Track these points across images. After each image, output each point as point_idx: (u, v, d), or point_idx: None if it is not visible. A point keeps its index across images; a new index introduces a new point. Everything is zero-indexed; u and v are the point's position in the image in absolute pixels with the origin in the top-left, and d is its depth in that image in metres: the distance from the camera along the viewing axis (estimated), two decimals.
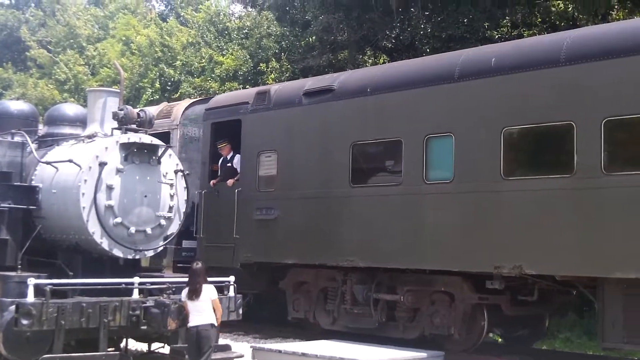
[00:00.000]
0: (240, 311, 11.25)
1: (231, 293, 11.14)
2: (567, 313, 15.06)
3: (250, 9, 31.06)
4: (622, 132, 10.08)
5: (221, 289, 10.94)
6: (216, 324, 9.72)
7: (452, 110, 11.62)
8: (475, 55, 11.93)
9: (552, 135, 10.67)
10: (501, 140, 10.94)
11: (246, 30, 29.45)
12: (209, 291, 9.71)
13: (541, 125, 10.71)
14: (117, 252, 10.91)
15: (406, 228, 11.92)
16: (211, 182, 15.22)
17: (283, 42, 26.94)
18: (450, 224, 11.38)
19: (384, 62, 24.21)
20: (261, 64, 26.64)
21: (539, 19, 22.47)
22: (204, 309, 9.58)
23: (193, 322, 9.56)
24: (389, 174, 12.65)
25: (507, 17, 22.54)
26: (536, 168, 10.89)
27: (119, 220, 10.83)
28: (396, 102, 12.29)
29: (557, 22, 22.15)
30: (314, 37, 25.21)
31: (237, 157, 14.96)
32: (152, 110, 14.06)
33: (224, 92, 23.45)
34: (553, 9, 22.43)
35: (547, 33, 20.47)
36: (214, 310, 9.69)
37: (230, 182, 14.82)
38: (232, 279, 11.24)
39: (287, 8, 25.81)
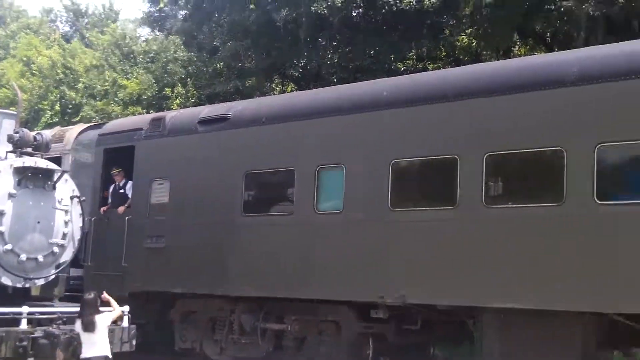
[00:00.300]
0: (134, 342, 11.35)
1: (125, 323, 11.24)
2: (462, 342, 15.77)
3: (157, 33, 31.50)
4: (502, 167, 10.91)
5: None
6: (110, 356, 9.97)
7: (344, 142, 12.25)
8: (368, 89, 12.67)
9: (438, 168, 11.42)
10: (389, 172, 11.63)
11: (152, 54, 29.87)
12: (103, 321, 9.97)
13: (428, 158, 11.47)
14: (6, 281, 10.94)
15: (295, 257, 12.46)
16: (101, 209, 15.40)
17: (190, 67, 27.46)
18: (339, 254, 11.96)
19: (291, 91, 24.94)
20: (166, 89, 27.07)
21: (444, 53, 23.66)
22: (98, 341, 9.79)
23: (86, 353, 9.75)
24: (281, 203, 13.23)
25: (413, 50, 23.61)
26: (422, 200, 11.67)
27: (9, 247, 10.89)
28: (290, 132, 12.89)
29: (461, 57, 23.34)
30: (221, 63, 25.80)
31: (130, 184, 15.24)
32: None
33: (127, 116, 23.75)
34: (458, 43, 23.62)
35: (451, 67, 21.58)
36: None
37: (121, 209, 15.05)
38: (126, 309, 11.34)
39: (195, 33, 26.33)
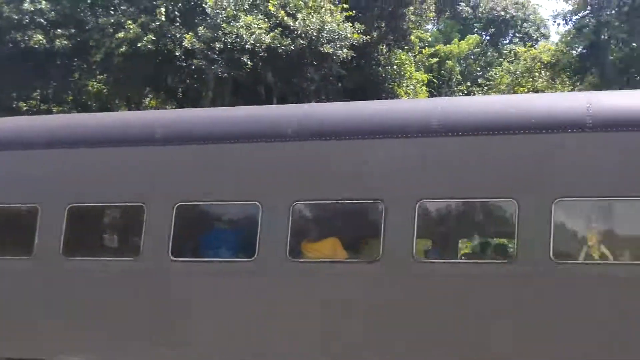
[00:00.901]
0: None
1: None
2: None
3: None
4: (84, 219, 11.56)
5: None
6: None
7: None
8: None
9: (19, 217, 11.87)
10: None
11: None
12: None
13: (10, 205, 11.79)
14: None
15: None
16: None
17: None
18: None
19: None
20: None
21: (71, 97, 24.12)
22: None
23: None
24: None
25: (38, 90, 23.83)
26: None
27: None
28: None
29: (90, 103, 23.97)
30: None
31: None
32: None
33: None
34: (88, 88, 24.23)
35: (79, 112, 22.12)
36: None
37: None
38: None
39: None
